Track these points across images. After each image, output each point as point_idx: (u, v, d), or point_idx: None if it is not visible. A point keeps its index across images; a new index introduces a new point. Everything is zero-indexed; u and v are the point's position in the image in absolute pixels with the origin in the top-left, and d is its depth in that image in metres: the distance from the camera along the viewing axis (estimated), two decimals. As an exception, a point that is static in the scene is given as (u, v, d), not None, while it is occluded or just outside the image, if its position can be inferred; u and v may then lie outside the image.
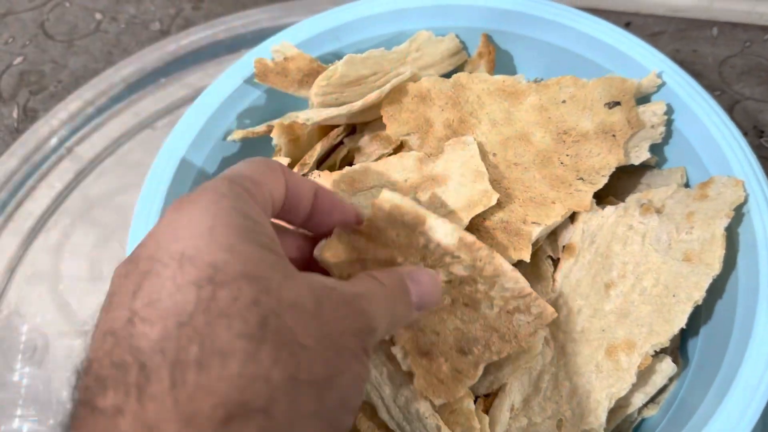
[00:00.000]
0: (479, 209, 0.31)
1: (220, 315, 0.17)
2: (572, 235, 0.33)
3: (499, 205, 0.32)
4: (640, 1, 0.56)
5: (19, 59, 0.58)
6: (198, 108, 0.38)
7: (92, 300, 0.45)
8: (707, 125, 0.35)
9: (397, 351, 0.28)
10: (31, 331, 0.44)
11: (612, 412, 0.31)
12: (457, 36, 0.41)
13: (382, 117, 0.36)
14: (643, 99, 0.37)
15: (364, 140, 0.36)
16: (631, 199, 0.34)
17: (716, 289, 0.33)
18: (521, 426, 0.30)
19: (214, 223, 0.19)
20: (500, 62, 0.42)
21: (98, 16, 0.62)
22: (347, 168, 0.33)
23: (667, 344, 0.30)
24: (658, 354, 0.31)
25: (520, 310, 0.27)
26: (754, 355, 0.29)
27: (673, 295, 0.30)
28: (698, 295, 0.30)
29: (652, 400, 0.33)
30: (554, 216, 0.32)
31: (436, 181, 0.32)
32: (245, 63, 0.39)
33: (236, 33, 0.58)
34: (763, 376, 0.28)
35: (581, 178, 0.33)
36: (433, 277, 0.25)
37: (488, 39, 0.41)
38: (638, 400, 0.32)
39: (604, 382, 0.30)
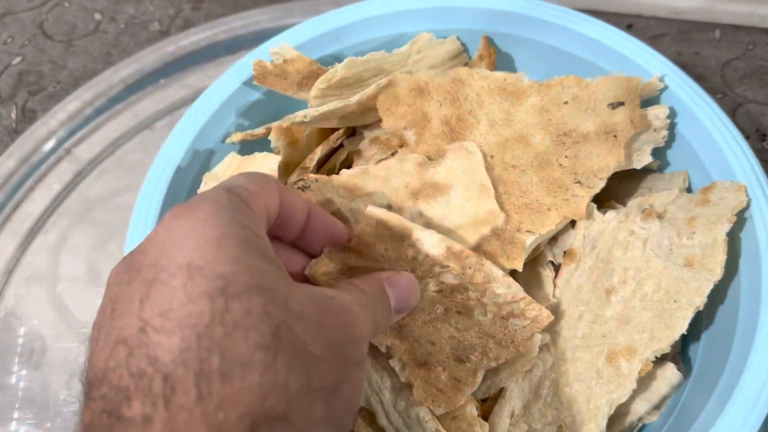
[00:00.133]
0: (485, 230, 0.30)
1: (236, 326, 0.18)
2: (573, 240, 0.33)
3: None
4: (641, 3, 0.56)
5: (17, 59, 0.58)
6: (197, 109, 0.38)
7: (90, 302, 0.45)
8: (709, 129, 0.35)
9: (395, 363, 0.28)
10: (28, 334, 0.44)
11: (614, 419, 0.31)
12: (458, 38, 0.40)
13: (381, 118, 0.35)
14: (645, 102, 0.37)
15: (364, 143, 0.36)
16: (633, 203, 0.34)
17: (718, 294, 0.33)
18: (521, 432, 0.30)
19: (219, 234, 0.19)
20: (501, 65, 0.42)
21: (97, 16, 0.61)
22: (345, 173, 0.32)
23: (668, 350, 0.30)
24: (662, 361, 0.31)
25: (514, 314, 0.28)
26: (757, 362, 0.28)
27: (675, 301, 0.30)
28: (699, 301, 0.30)
29: (656, 407, 0.32)
30: (549, 225, 0.31)
31: (437, 188, 0.31)
32: (245, 64, 0.39)
33: (236, 34, 0.57)
34: (765, 382, 0.28)
35: (579, 182, 0.32)
36: (410, 280, 0.26)
37: (489, 41, 0.41)
38: (642, 408, 0.31)
39: (605, 388, 0.30)
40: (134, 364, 0.17)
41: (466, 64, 0.41)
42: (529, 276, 0.33)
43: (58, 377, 0.43)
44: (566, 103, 0.34)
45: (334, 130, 0.37)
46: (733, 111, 0.50)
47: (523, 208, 0.32)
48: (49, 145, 0.52)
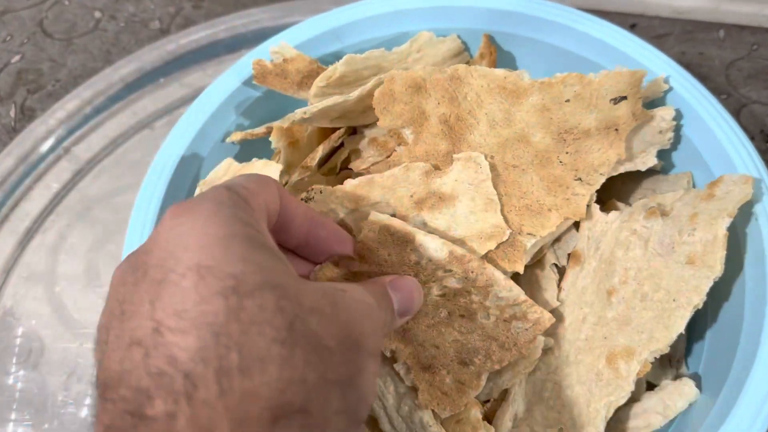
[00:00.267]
0: (491, 245, 0.30)
1: (252, 323, 0.18)
2: (577, 242, 0.33)
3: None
4: (645, 2, 0.55)
5: (16, 57, 0.58)
6: (197, 108, 0.38)
7: (89, 302, 0.45)
8: (714, 129, 0.34)
9: (399, 368, 0.29)
10: (26, 334, 0.44)
11: (620, 426, 0.30)
12: (458, 37, 0.40)
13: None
14: (649, 103, 0.36)
15: (363, 143, 0.36)
16: (638, 204, 0.33)
17: (723, 295, 0.32)
18: (523, 435, 0.30)
19: (223, 233, 0.19)
20: (502, 64, 0.41)
21: (97, 14, 0.61)
22: (350, 183, 0.31)
23: (666, 351, 0.29)
24: (682, 376, 0.31)
25: (516, 317, 0.28)
26: (763, 364, 0.28)
27: (674, 300, 0.30)
28: (698, 299, 0.29)
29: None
30: (549, 226, 0.31)
31: (442, 199, 0.31)
32: (245, 63, 0.39)
33: (236, 32, 0.57)
34: (771, 386, 0.27)
35: (579, 178, 0.32)
36: (413, 283, 0.27)
37: (490, 40, 0.40)
38: (657, 422, 0.31)
39: (604, 390, 0.30)
40: (152, 364, 0.17)
41: (467, 63, 0.41)
42: (532, 279, 0.32)
43: (56, 378, 0.42)
44: (568, 101, 0.34)
45: (334, 129, 0.37)
46: (737, 111, 0.50)
47: (523, 210, 0.31)
48: (48, 143, 0.52)
